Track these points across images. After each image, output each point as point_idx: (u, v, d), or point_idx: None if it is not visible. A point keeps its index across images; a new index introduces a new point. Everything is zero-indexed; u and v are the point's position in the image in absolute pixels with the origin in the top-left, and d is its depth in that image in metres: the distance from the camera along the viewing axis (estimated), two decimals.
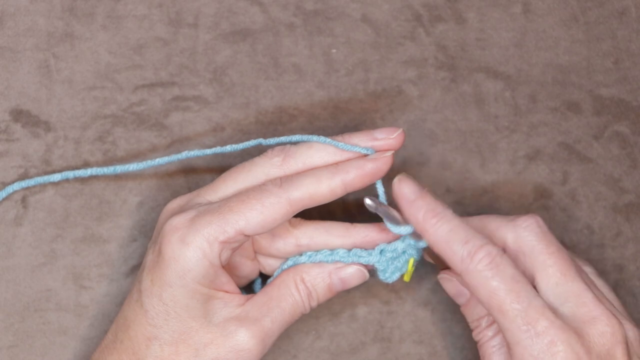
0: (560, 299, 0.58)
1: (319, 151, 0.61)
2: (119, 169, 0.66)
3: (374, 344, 0.68)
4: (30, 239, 0.67)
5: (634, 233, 0.70)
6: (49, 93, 0.68)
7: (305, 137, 0.61)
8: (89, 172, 0.66)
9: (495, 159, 0.70)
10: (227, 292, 0.60)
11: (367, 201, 0.61)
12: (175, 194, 0.67)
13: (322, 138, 0.61)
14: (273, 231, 0.62)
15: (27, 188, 0.67)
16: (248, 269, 0.64)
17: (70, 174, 0.66)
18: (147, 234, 0.67)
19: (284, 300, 0.60)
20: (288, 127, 0.69)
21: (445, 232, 0.58)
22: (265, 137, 0.68)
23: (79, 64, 0.68)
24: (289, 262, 0.62)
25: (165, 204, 0.67)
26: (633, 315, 0.69)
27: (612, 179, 0.70)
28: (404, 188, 0.60)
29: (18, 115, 0.68)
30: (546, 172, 0.70)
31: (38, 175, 0.67)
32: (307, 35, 0.70)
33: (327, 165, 0.61)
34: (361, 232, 0.62)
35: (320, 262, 0.62)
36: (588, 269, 0.63)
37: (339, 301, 0.68)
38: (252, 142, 0.63)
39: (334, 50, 0.70)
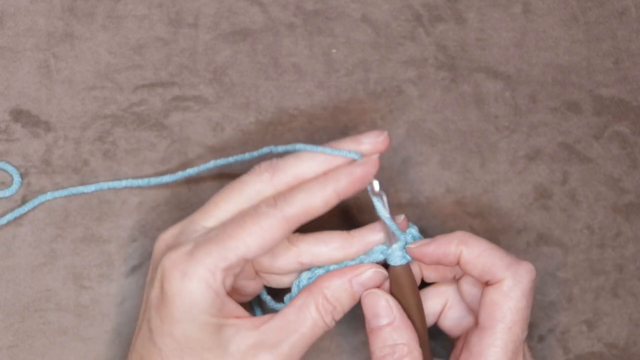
0: None
1: (307, 162, 0.60)
2: (153, 181, 0.66)
3: None
4: (30, 239, 0.67)
5: (634, 233, 0.70)
6: (49, 93, 0.68)
7: (298, 146, 0.61)
8: (123, 183, 0.66)
9: (495, 159, 0.70)
10: (237, 317, 0.59)
11: (375, 186, 0.61)
12: (175, 194, 0.67)
13: (309, 146, 0.61)
14: (273, 251, 0.62)
15: (27, 188, 0.67)
16: (251, 288, 0.63)
17: (105, 185, 0.66)
18: (147, 234, 0.67)
19: (303, 324, 0.59)
20: (288, 127, 0.69)
21: (483, 242, 0.60)
22: (265, 138, 0.68)
23: (79, 64, 0.68)
24: (307, 276, 0.62)
25: (165, 204, 0.67)
26: (633, 315, 0.70)
27: (612, 179, 0.70)
28: (422, 242, 0.61)
29: (18, 115, 0.68)
30: (546, 172, 0.70)
31: (38, 175, 0.67)
32: (307, 35, 0.70)
33: (317, 176, 0.60)
34: (362, 241, 0.62)
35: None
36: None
37: None
38: (247, 156, 0.63)
39: (334, 50, 0.70)
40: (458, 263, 0.60)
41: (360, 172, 0.60)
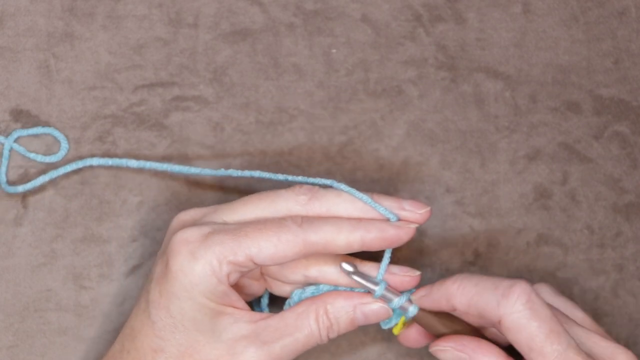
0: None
1: (345, 202, 0.60)
2: (193, 170, 0.65)
3: (374, 344, 0.68)
4: (30, 239, 0.67)
5: (634, 233, 0.70)
6: (49, 93, 0.68)
7: (343, 186, 0.61)
8: (164, 166, 0.66)
9: (495, 159, 0.70)
10: (236, 308, 0.59)
11: (345, 266, 0.61)
12: (175, 194, 0.67)
13: (353, 190, 0.61)
14: None
15: (25, 190, 0.67)
16: (254, 288, 0.64)
17: (147, 164, 0.66)
18: (147, 234, 0.67)
19: (300, 330, 0.59)
20: (288, 127, 0.69)
21: (472, 286, 0.59)
22: (265, 138, 0.68)
23: (79, 64, 0.68)
24: (312, 289, 0.62)
25: (165, 204, 0.67)
26: (633, 315, 0.70)
27: (612, 179, 0.70)
28: (420, 293, 0.61)
29: (18, 115, 0.68)
30: (546, 172, 0.70)
31: (38, 175, 0.67)
32: (307, 35, 0.70)
33: (350, 218, 0.60)
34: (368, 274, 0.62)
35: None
36: (545, 289, 0.63)
37: None
38: (324, 181, 0.62)
39: (334, 50, 0.70)
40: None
41: (393, 234, 0.60)
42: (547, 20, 0.71)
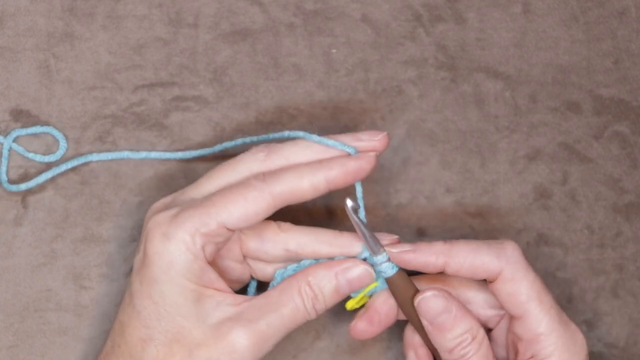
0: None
1: (303, 149, 0.61)
2: (194, 153, 0.67)
3: (374, 344, 0.68)
4: (30, 239, 0.67)
5: (634, 233, 0.70)
6: (49, 93, 0.68)
7: (293, 133, 0.62)
8: (167, 155, 0.67)
9: (495, 159, 0.70)
10: (217, 290, 0.60)
11: (349, 203, 0.61)
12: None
13: (308, 135, 0.61)
14: (262, 234, 0.62)
15: (27, 188, 0.67)
16: (238, 272, 0.64)
17: (152, 155, 0.67)
18: None
19: (284, 305, 0.59)
20: (288, 127, 0.69)
21: (466, 247, 0.60)
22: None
23: (79, 64, 0.68)
24: (293, 266, 0.62)
25: None
26: (633, 314, 0.70)
27: (612, 179, 0.70)
28: (402, 247, 0.61)
29: (18, 115, 0.68)
30: (546, 172, 0.70)
31: (37, 174, 0.67)
32: (307, 35, 0.70)
33: (311, 162, 0.61)
34: (348, 242, 0.62)
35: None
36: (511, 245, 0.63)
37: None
38: (298, 133, 0.63)
39: (334, 50, 0.70)
40: (443, 272, 0.61)
41: (354, 166, 0.60)
42: (547, 20, 0.71)
